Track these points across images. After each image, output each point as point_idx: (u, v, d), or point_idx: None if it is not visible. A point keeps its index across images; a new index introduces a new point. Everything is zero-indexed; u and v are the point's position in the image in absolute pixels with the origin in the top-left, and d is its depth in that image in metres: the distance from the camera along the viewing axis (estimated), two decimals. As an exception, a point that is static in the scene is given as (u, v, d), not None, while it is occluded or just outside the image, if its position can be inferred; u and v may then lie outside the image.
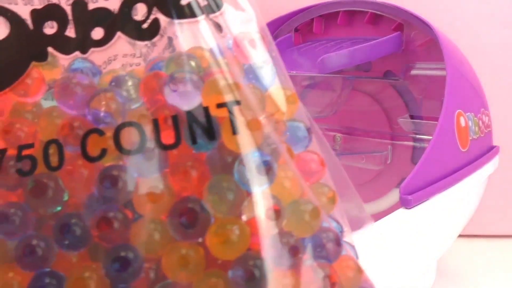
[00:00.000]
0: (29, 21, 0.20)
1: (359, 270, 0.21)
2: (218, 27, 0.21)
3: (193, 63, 0.20)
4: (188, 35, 0.20)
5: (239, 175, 0.19)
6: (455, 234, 0.40)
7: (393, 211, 0.31)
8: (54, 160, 0.19)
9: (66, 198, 0.18)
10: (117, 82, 0.20)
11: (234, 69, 0.20)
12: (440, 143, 0.34)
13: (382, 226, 0.30)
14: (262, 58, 0.21)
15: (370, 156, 0.43)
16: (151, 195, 0.18)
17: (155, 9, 0.20)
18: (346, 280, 0.20)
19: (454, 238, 0.40)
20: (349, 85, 0.41)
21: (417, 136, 0.41)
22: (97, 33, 0.20)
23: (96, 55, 0.20)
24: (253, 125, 0.19)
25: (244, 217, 0.18)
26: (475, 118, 0.38)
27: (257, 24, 0.21)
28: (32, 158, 0.19)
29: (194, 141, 0.19)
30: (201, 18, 0.20)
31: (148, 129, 0.19)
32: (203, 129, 0.19)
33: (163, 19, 0.20)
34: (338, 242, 0.20)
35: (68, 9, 0.20)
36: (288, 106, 0.21)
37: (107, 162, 0.18)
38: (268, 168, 0.19)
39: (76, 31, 0.20)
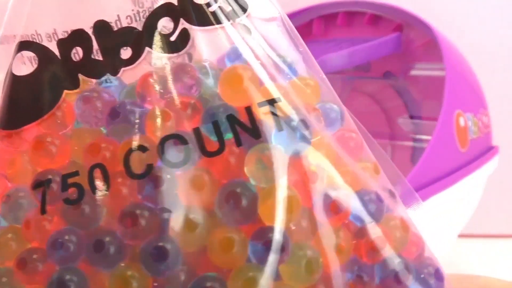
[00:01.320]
0: (57, 52, 0.20)
1: (405, 229, 0.21)
2: (247, 30, 0.21)
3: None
4: (207, 43, 0.20)
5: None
6: (454, 234, 0.40)
7: (392, 211, 0.31)
8: (100, 184, 0.18)
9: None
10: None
11: (268, 67, 0.20)
12: (440, 143, 0.34)
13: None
14: (290, 54, 0.21)
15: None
16: (194, 183, 0.18)
17: (181, 21, 0.20)
18: (394, 240, 0.20)
19: (453, 238, 0.40)
20: (348, 86, 0.41)
21: (417, 136, 0.41)
22: (126, 52, 0.20)
23: (133, 74, 0.20)
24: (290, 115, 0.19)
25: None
26: (475, 118, 0.38)
27: (282, 21, 0.22)
28: (78, 186, 0.18)
29: (239, 143, 0.18)
30: (228, 24, 0.20)
31: (191, 138, 0.18)
32: (248, 130, 0.19)
33: (190, 28, 0.20)
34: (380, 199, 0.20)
35: (91, 33, 0.20)
36: (317, 90, 0.21)
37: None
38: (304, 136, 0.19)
39: (103, 54, 0.20)
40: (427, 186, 0.32)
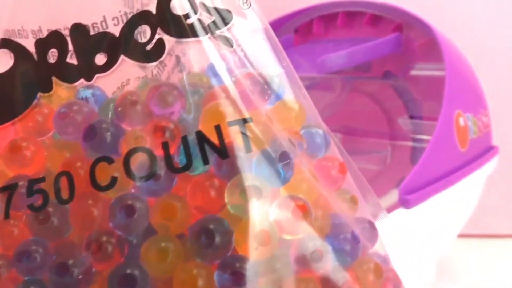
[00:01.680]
0: (34, 52, 0.20)
1: (379, 273, 0.20)
2: (228, 42, 0.20)
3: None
4: (196, 52, 0.20)
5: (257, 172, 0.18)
6: (454, 234, 0.40)
7: (392, 211, 0.31)
8: (65, 192, 0.18)
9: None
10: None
11: (243, 84, 0.20)
12: (439, 143, 0.34)
13: (381, 226, 0.30)
14: (273, 69, 0.21)
15: (370, 156, 0.43)
16: (165, 212, 0.18)
17: (158, 30, 0.20)
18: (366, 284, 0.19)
19: (453, 238, 0.40)
20: (348, 86, 0.41)
21: (417, 136, 0.41)
22: (101, 58, 0.20)
23: (108, 81, 0.20)
24: (264, 140, 0.19)
25: (271, 216, 0.18)
26: (474, 118, 0.38)
27: (266, 34, 0.21)
28: (43, 192, 0.18)
29: (206, 161, 0.18)
30: (205, 37, 0.20)
31: (158, 153, 0.18)
32: (215, 148, 0.18)
33: (167, 39, 0.20)
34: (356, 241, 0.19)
35: (67, 35, 0.20)
36: (302, 115, 0.21)
37: (117, 190, 0.18)
38: (284, 167, 0.19)
39: (78, 58, 0.20)
40: (427, 186, 0.32)
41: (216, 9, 0.20)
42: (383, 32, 0.42)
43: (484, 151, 0.39)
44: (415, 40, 0.41)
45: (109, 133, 0.19)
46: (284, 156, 0.19)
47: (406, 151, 0.41)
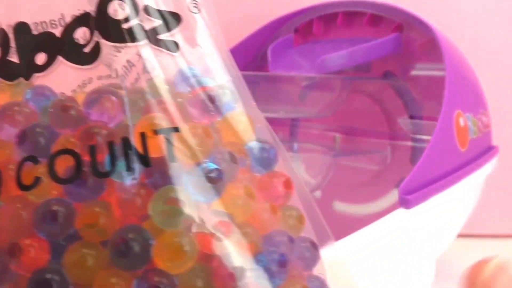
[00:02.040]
0: None
1: None
2: (171, 47, 0.20)
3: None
4: (135, 59, 0.19)
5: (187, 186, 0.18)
6: (454, 234, 0.40)
7: (392, 211, 0.31)
8: None
9: None
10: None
11: (183, 94, 0.19)
12: (439, 144, 0.34)
13: (381, 226, 0.30)
14: (220, 78, 0.20)
15: (370, 156, 0.43)
16: (87, 218, 0.18)
17: (96, 33, 0.19)
18: None
19: (453, 238, 0.40)
20: (348, 86, 0.41)
21: (417, 136, 0.41)
22: (41, 58, 0.20)
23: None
24: (199, 153, 0.18)
25: (193, 230, 0.18)
26: (474, 118, 0.38)
27: (215, 41, 0.21)
28: None
29: (128, 168, 0.18)
30: (143, 42, 0.19)
31: (84, 156, 0.18)
32: (139, 156, 0.18)
33: (104, 43, 0.19)
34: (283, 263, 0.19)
35: (11, 33, 0.20)
36: (249, 128, 0.21)
37: (41, 191, 0.18)
38: (215, 182, 0.18)
39: (19, 56, 0.20)
40: (427, 186, 0.32)
41: (161, 13, 0.20)
42: (383, 32, 0.42)
43: (484, 151, 0.39)
44: (415, 40, 0.41)
45: (41, 138, 0.19)
46: (217, 172, 0.19)
47: (406, 151, 0.41)
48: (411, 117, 0.42)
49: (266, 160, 0.21)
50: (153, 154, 0.18)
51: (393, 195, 0.42)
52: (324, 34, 0.46)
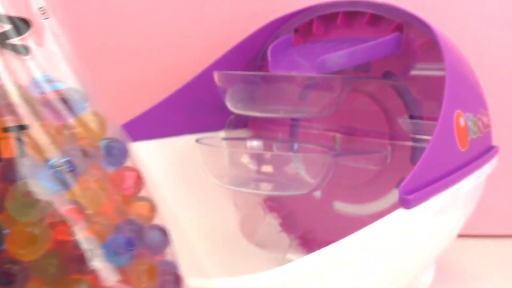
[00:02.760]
0: None
1: (153, 275, 0.22)
2: (21, 52, 0.20)
3: None
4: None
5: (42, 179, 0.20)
6: (454, 234, 0.40)
7: (392, 211, 0.31)
8: None
9: None
10: None
11: (34, 96, 0.20)
12: (439, 143, 0.34)
13: (381, 226, 0.30)
14: (71, 81, 0.22)
15: (370, 156, 0.43)
16: None
17: None
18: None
19: (453, 238, 0.40)
20: (348, 86, 0.41)
21: (417, 136, 0.41)
22: None
23: None
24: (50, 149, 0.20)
25: (46, 219, 0.19)
26: (474, 118, 0.38)
27: (67, 45, 0.22)
28: None
29: None
30: None
31: None
32: None
33: None
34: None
35: None
36: (100, 128, 0.22)
37: None
38: (67, 175, 0.20)
39: None
40: (427, 186, 0.32)
41: (10, 18, 0.21)
42: (383, 32, 0.42)
43: (484, 151, 0.39)
44: (415, 40, 0.41)
45: None
46: (69, 164, 0.20)
47: (406, 151, 0.41)
48: (411, 117, 0.42)
49: (117, 156, 0.22)
50: (4, 152, 0.20)
51: (393, 195, 0.42)
52: (324, 34, 0.46)
